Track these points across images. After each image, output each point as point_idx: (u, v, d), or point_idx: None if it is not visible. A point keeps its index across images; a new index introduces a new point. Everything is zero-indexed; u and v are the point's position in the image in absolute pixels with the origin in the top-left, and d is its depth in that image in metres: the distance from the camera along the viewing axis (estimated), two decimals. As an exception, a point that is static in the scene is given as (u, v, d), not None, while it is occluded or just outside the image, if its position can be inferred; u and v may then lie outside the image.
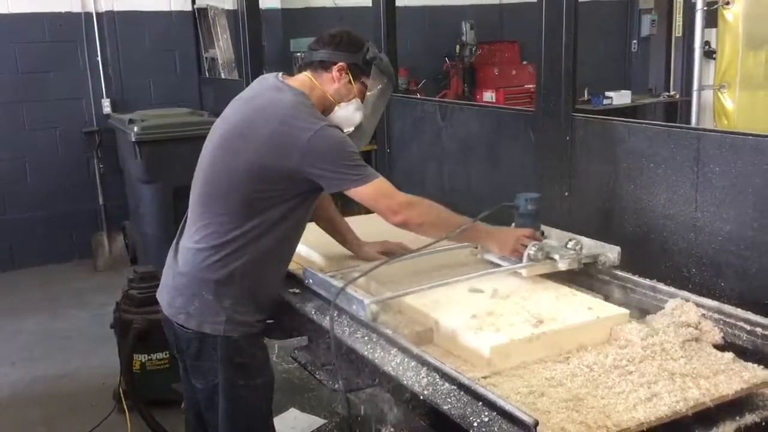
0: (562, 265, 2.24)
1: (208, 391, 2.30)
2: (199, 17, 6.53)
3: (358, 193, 2.16)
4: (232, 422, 2.26)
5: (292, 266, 2.52)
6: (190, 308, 2.22)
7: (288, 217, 2.21)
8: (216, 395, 2.26)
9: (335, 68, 2.26)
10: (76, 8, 6.03)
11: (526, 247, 2.24)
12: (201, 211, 2.25)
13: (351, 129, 2.34)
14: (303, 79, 2.30)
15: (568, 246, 2.29)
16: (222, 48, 6.41)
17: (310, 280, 2.33)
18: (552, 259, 2.25)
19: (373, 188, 2.16)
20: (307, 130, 2.11)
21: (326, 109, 2.29)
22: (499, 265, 2.32)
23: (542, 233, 2.41)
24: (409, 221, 2.21)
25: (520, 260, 2.25)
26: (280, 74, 2.32)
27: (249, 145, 2.16)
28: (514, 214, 2.42)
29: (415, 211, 2.21)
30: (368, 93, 2.32)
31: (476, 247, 2.48)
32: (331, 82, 2.28)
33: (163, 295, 2.34)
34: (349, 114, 2.32)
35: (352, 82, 2.28)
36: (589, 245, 2.40)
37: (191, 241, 2.25)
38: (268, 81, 2.32)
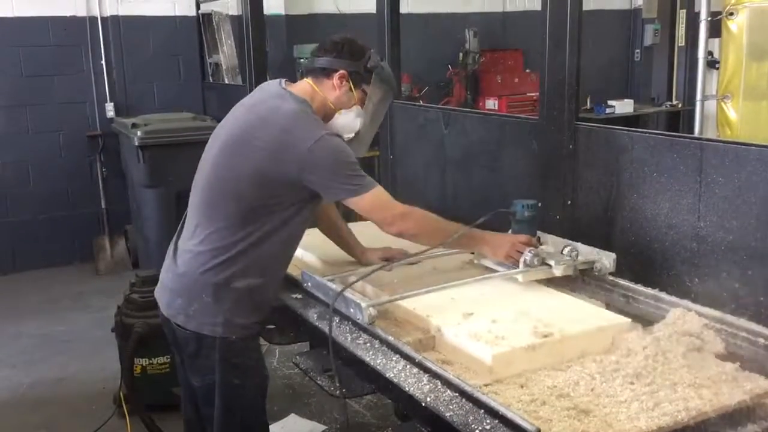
0: (558, 272, 2.27)
1: (205, 388, 2.34)
2: (203, 23, 6.55)
3: (355, 203, 2.19)
4: (227, 419, 2.31)
5: (292, 270, 2.53)
6: (189, 310, 2.25)
7: (288, 224, 2.23)
8: (213, 393, 2.30)
9: (336, 75, 2.27)
10: (81, 12, 6.05)
11: (522, 253, 2.27)
12: (202, 215, 2.26)
13: (351, 135, 2.35)
14: (304, 86, 2.31)
15: (564, 253, 2.32)
16: (226, 53, 6.43)
17: (309, 283, 2.34)
18: (548, 265, 2.27)
19: (370, 199, 2.19)
20: (308, 140, 2.12)
21: (327, 115, 2.31)
22: (495, 271, 2.34)
23: (539, 239, 2.43)
24: (404, 232, 2.26)
25: (516, 266, 2.28)
26: (283, 81, 2.32)
27: (251, 153, 2.18)
28: (511, 221, 2.45)
29: (411, 222, 2.25)
30: (368, 101, 2.33)
31: (473, 254, 2.49)
32: (332, 89, 2.28)
33: (161, 295, 2.37)
34: (349, 121, 2.33)
35: (353, 89, 2.29)
36: (585, 252, 2.40)
37: (191, 244, 2.27)
38: (270, 88, 2.33)
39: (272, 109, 2.23)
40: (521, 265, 2.27)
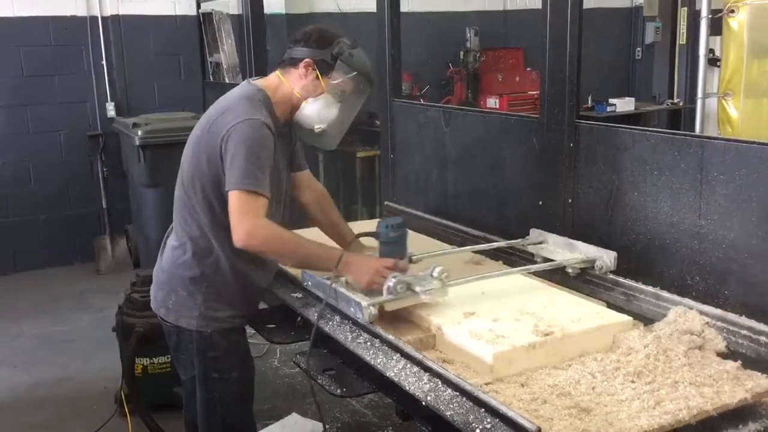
0: (426, 298, 2.09)
1: (189, 382, 2.40)
2: (203, 22, 6.54)
3: (229, 196, 2.13)
4: (209, 413, 2.34)
5: (293, 270, 2.53)
6: (168, 303, 2.32)
7: None
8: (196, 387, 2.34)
9: (302, 64, 2.27)
10: (82, 12, 6.04)
11: (386, 278, 2.10)
12: (177, 211, 2.33)
13: (323, 126, 2.32)
14: (271, 77, 2.34)
15: (434, 274, 2.11)
16: (226, 53, 6.42)
17: (309, 282, 2.34)
18: (414, 291, 2.09)
19: (239, 199, 2.11)
20: (234, 119, 2.14)
21: (294, 106, 2.31)
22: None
23: (410, 259, 2.32)
24: (247, 248, 2.16)
25: (380, 293, 2.10)
26: (257, 77, 2.36)
27: (202, 144, 2.23)
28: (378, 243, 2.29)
29: (258, 240, 2.14)
30: (337, 89, 2.29)
31: None
32: (299, 78, 2.28)
33: (151, 289, 2.43)
34: (316, 110, 2.30)
35: (320, 78, 2.27)
36: (587, 250, 2.40)
37: (172, 240, 2.35)
38: (241, 83, 2.38)
39: (225, 99, 2.28)
40: (384, 293, 2.08)
